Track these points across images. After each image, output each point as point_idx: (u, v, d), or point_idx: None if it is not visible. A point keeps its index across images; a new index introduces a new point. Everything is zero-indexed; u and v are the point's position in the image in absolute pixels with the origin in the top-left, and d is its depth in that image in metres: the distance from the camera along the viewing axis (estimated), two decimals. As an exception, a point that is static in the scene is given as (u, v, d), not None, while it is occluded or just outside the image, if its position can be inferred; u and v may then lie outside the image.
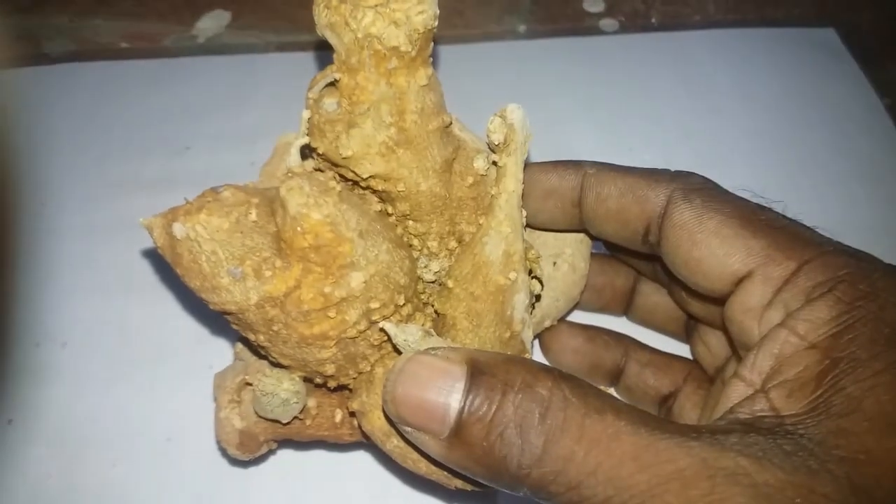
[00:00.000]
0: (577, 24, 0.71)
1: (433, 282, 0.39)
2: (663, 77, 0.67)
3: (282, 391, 0.37)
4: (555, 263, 0.42)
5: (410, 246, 0.38)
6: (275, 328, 0.34)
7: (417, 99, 0.34)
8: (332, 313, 0.33)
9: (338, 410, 0.40)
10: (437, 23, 0.33)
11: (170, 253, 0.33)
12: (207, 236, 0.32)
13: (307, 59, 0.69)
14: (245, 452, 0.41)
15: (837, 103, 0.64)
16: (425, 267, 0.38)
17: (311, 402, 0.39)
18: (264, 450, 0.42)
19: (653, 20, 0.71)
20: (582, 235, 0.43)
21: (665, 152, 0.61)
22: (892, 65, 0.67)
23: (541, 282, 0.39)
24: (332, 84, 0.35)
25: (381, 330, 0.35)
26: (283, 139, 0.41)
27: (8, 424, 0.49)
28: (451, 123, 0.36)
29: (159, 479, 0.46)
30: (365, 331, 0.35)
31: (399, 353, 0.34)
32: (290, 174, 0.33)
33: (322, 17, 0.33)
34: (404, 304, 0.35)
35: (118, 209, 0.58)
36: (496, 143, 0.35)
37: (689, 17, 0.72)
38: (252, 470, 0.46)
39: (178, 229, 0.32)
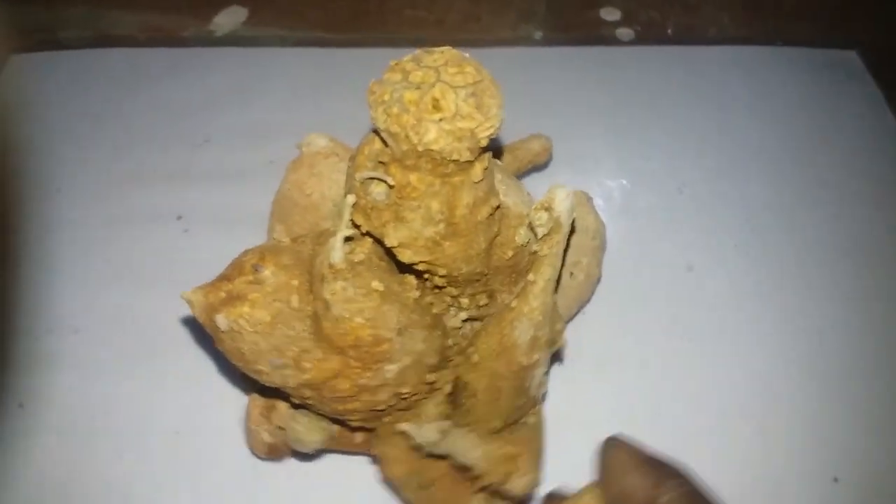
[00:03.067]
0: (593, 33, 0.72)
1: (459, 328, 0.39)
2: (679, 90, 0.67)
3: (310, 442, 0.39)
4: (571, 274, 0.42)
5: (443, 302, 0.38)
6: (310, 401, 0.36)
7: (469, 194, 0.32)
8: (364, 397, 0.35)
9: (357, 434, 0.41)
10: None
11: (211, 329, 0.34)
12: (250, 329, 0.33)
13: (323, 54, 0.69)
14: (272, 457, 0.44)
15: (854, 125, 0.65)
16: (454, 316, 0.38)
17: (335, 429, 0.41)
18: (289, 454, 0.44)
19: (668, 30, 0.72)
20: (598, 242, 0.43)
21: (678, 165, 0.62)
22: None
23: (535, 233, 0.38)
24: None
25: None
26: (311, 144, 0.41)
27: (19, 408, 0.49)
28: (498, 206, 0.34)
29: (166, 471, 0.46)
30: (393, 405, 0.36)
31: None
32: (333, 271, 0.33)
33: (380, 121, 0.30)
34: (433, 381, 0.37)
35: (134, 200, 0.59)
36: (540, 234, 0.34)
37: (705, 28, 0.72)
38: (259, 463, 0.47)
39: (222, 322, 0.33)
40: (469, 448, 0.37)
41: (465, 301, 0.38)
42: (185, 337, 0.52)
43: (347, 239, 0.33)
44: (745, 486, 0.47)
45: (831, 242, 0.57)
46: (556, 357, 0.43)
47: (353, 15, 0.72)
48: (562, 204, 0.33)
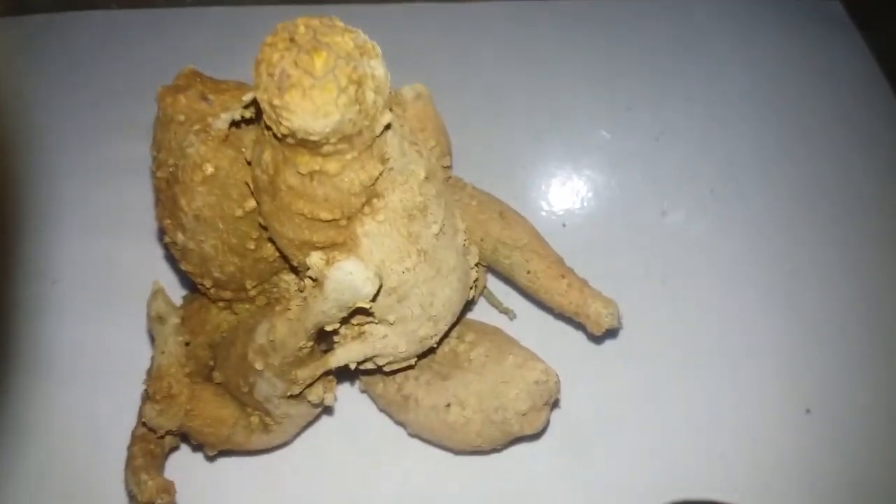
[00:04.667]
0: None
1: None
2: (662, 41, 0.67)
3: None
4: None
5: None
6: None
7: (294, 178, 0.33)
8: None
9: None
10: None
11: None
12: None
13: (304, 11, 0.68)
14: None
15: (837, 73, 0.65)
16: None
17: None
18: None
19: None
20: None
21: (663, 114, 0.62)
22: (892, 30, 0.67)
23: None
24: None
25: None
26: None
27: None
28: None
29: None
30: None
31: None
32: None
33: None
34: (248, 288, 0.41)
35: (112, 152, 0.59)
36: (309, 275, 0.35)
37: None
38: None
39: None
40: None
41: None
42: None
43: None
44: (720, 420, 0.47)
45: (809, 186, 0.57)
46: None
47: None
48: (320, 273, 0.33)
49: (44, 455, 0.45)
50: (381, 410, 0.46)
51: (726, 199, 0.57)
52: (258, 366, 0.37)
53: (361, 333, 0.38)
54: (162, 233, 0.40)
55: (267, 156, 0.33)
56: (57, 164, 0.58)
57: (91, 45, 0.67)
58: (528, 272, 0.45)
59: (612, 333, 0.47)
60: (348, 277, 0.32)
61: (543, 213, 0.56)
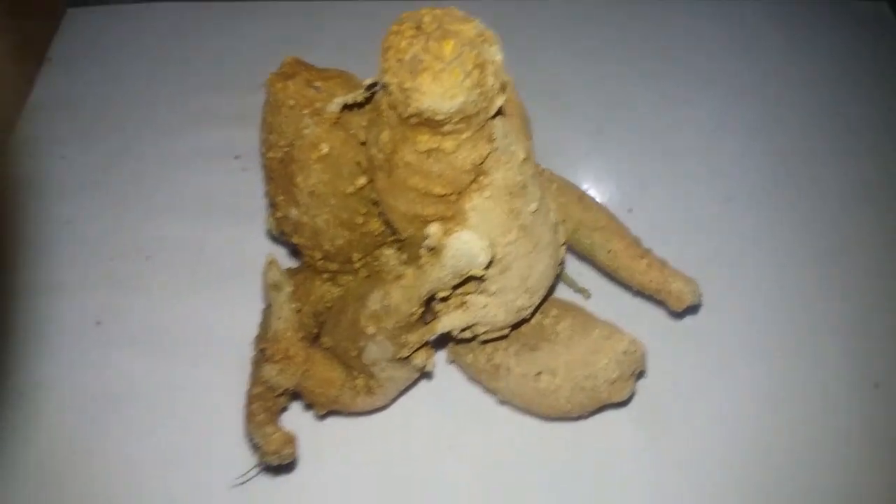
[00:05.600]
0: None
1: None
2: (711, 42, 0.69)
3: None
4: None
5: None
6: None
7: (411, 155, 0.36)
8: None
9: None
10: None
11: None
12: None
13: (377, 6, 0.71)
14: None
15: (885, 75, 0.67)
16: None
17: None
18: None
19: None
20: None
21: (718, 110, 0.64)
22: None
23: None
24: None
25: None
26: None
27: (97, 325, 0.52)
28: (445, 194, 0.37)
29: (238, 380, 0.49)
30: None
31: None
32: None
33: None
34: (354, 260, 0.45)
35: (194, 141, 0.62)
36: (426, 245, 0.37)
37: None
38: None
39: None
40: None
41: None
42: (251, 265, 0.55)
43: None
44: (791, 395, 0.49)
45: (857, 187, 0.60)
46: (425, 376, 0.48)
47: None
48: (438, 242, 0.36)
49: (143, 423, 0.49)
50: (471, 379, 0.49)
51: (785, 188, 0.59)
52: (370, 330, 0.40)
53: (464, 303, 0.41)
54: (273, 209, 0.43)
55: (385, 136, 0.36)
56: (146, 150, 0.62)
57: (165, 36, 0.70)
58: (609, 252, 0.48)
59: (692, 310, 0.49)
60: (466, 246, 0.35)
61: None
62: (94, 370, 0.50)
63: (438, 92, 0.32)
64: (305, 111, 0.41)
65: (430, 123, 0.34)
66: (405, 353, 0.41)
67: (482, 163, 0.36)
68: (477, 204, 0.37)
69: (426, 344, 0.42)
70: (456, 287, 0.38)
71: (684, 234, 0.56)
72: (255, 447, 0.40)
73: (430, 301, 0.39)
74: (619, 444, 0.48)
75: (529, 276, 0.40)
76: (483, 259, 0.35)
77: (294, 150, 0.40)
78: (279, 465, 0.40)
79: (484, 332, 0.42)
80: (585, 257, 0.50)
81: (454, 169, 0.35)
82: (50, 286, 0.54)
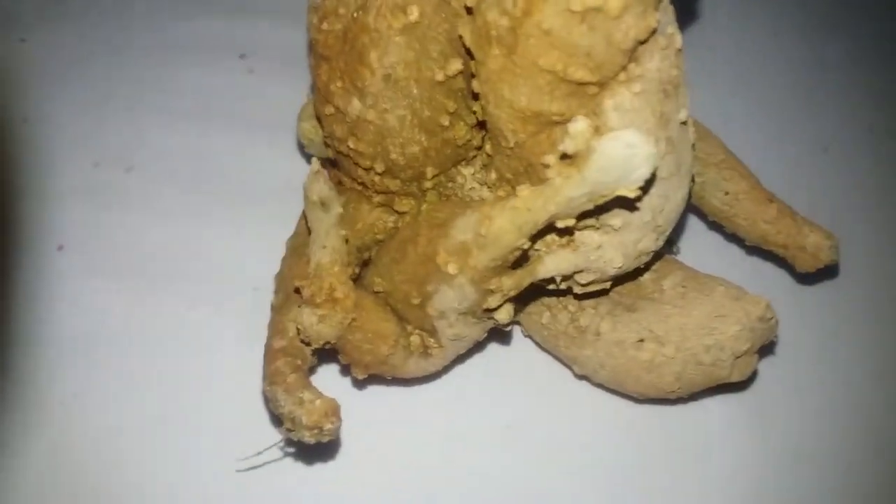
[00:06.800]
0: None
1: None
2: None
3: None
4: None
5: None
6: None
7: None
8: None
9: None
10: None
11: None
12: None
13: None
14: None
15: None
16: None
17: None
18: None
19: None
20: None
21: (813, 47, 0.55)
22: None
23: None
24: None
25: None
26: None
27: (58, 251, 0.41)
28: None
29: (244, 328, 0.38)
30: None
31: None
32: None
33: None
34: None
35: (193, 32, 0.50)
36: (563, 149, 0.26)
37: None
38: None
39: None
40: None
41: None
42: (262, 185, 0.44)
43: None
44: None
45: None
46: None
47: None
48: (586, 143, 0.25)
49: (117, 380, 0.38)
50: (542, 346, 0.39)
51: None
52: (451, 269, 0.29)
53: (571, 242, 0.31)
54: (323, 101, 0.32)
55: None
56: (130, 40, 0.49)
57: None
58: (727, 193, 0.39)
59: (828, 271, 0.40)
60: (627, 152, 0.25)
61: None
62: (53, 308, 0.39)
63: None
64: None
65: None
66: (493, 302, 0.30)
67: (644, 42, 0.26)
68: (622, 101, 0.27)
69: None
70: (589, 215, 0.28)
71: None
72: (285, 417, 0.29)
73: (540, 234, 0.29)
74: (714, 429, 0.39)
75: (663, 210, 0.30)
76: (643, 172, 0.25)
77: (367, 15, 0.29)
78: (317, 442, 0.29)
79: (588, 283, 0.32)
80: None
81: (609, 45, 0.25)
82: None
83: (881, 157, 0.50)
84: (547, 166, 0.27)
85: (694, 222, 0.43)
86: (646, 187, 0.27)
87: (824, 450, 0.39)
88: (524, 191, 0.27)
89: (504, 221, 0.28)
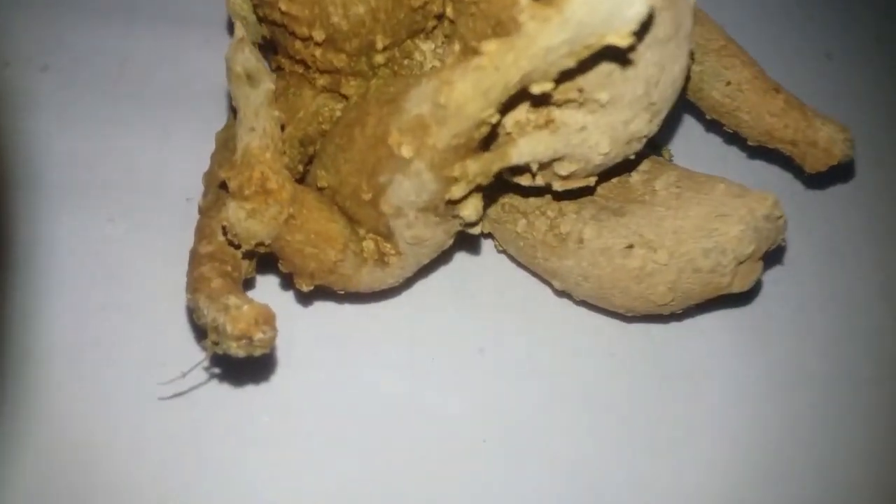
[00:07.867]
0: None
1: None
2: None
3: None
4: None
5: None
6: None
7: None
8: None
9: None
10: None
11: None
12: None
13: None
14: None
15: None
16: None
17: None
18: None
19: None
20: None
21: None
22: None
23: None
24: None
25: None
26: None
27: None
28: None
29: (174, 244, 0.33)
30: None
31: None
32: None
33: None
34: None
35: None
36: None
37: None
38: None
39: None
40: None
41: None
42: (194, 87, 0.38)
43: None
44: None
45: None
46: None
47: None
48: None
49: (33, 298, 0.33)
50: (518, 260, 0.34)
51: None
52: (406, 151, 0.24)
53: (550, 122, 0.26)
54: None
55: None
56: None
57: None
58: (728, 83, 0.34)
59: (841, 173, 0.35)
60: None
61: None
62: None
63: None
64: None
65: None
66: (457, 192, 0.25)
67: None
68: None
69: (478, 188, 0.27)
70: (569, 76, 0.23)
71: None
72: (208, 329, 0.25)
73: (512, 105, 0.24)
74: (709, 351, 0.35)
75: (659, 82, 0.26)
76: (641, 9, 0.20)
77: None
78: (248, 356, 0.24)
79: (569, 176, 0.28)
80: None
81: None
82: None
83: (888, 65, 0.45)
84: (519, 21, 0.22)
85: (690, 124, 0.39)
86: (640, 33, 0.22)
87: (830, 375, 0.35)
88: (491, 45, 0.22)
89: (467, 86, 0.23)
